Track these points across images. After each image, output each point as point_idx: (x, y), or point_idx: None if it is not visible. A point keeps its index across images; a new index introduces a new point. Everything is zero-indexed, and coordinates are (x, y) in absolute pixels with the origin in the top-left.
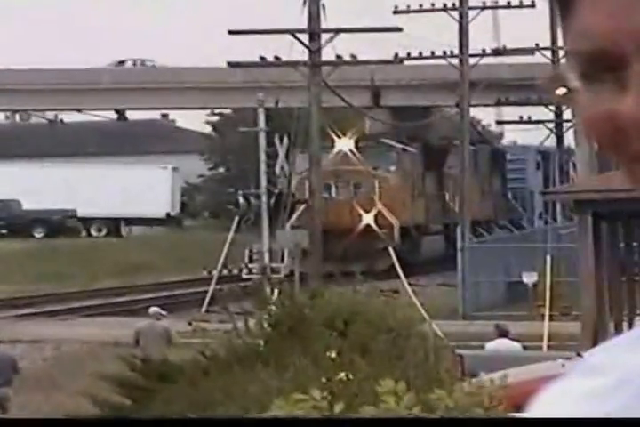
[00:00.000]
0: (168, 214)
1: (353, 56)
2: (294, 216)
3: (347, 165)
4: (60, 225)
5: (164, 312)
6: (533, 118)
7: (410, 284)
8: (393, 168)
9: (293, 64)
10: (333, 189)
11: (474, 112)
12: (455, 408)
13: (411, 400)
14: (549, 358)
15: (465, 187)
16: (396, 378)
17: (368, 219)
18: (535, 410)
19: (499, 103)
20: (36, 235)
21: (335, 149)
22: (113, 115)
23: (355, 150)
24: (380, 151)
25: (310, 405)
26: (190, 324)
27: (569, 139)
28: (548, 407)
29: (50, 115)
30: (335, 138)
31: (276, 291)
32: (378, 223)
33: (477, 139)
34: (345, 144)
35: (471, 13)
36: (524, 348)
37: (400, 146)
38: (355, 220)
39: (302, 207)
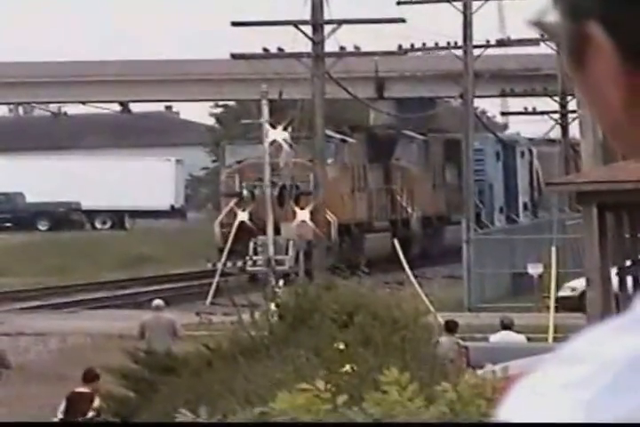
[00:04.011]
0: (172, 207)
1: (356, 47)
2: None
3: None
4: (64, 218)
5: (162, 303)
6: (538, 109)
7: (415, 276)
8: (330, 160)
9: (297, 56)
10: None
11: (479, 103)
12: (459, 400)
13: (414, 391)
14: (554, 350)
15: (466, 181)
16: (401, 369)
17: (303, 216)
18: (511, 401)
19: (503, 94)
20: (41, 228)
21: (269, 140)
22: (117, 107)
23: (290, 141)
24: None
25: (313, 395)
26: (198, 314)
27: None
28: (524, 400)
29: (53, 107)
30: (270, 128)
31: (281, 283)
32: (314, 220)
33: (429, 128)
34: (279, 135)
35: (475, 4)
36: (529, 339)
37: (339, 136)
38: (289, 216)
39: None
